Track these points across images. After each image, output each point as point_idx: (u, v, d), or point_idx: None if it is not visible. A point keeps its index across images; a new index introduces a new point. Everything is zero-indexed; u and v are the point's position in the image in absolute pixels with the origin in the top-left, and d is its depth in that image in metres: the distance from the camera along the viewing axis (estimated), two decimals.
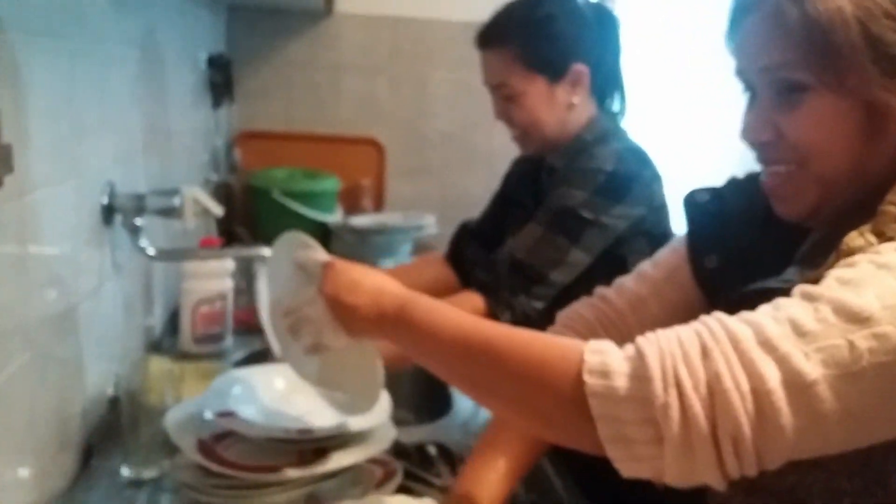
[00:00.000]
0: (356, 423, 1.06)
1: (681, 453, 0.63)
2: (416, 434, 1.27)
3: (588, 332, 1.01)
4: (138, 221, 1.26)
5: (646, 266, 1.04)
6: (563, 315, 1.08)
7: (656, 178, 1.45)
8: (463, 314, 0.80)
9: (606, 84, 1.54)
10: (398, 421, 1.13)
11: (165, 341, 1.61)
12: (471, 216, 1.79)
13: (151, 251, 1.28)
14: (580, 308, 1.07)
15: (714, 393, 0.63)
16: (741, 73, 0.83)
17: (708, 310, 0.73)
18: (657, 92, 2.72)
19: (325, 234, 2.44)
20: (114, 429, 1.16)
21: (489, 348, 0.74)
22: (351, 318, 0.87)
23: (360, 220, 2.47)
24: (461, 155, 2.78)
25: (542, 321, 1.22)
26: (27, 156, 0.87)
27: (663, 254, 1.04)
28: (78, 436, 1.12)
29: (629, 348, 0.68)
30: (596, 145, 1.46)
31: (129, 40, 1.38)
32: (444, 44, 2.71)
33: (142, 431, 1.10)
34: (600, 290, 1.07)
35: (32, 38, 0.91)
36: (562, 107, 1.47)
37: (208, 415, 1.04)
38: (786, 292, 0.71)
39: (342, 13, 2.66)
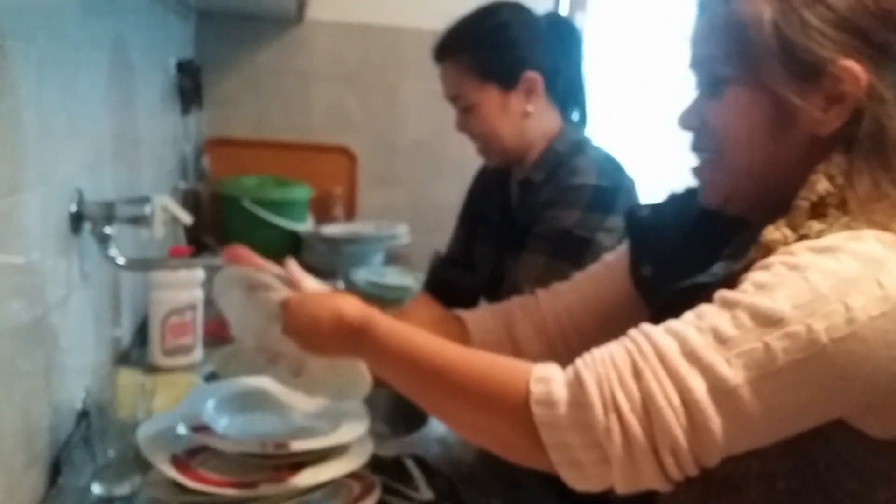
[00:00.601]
0: (333, 438, 1.04)
1: (626, 470, 0.70)
2: (393, 447, 1.25)
3: (505, 314, 1.15)
4: (108, 230, 1.23)
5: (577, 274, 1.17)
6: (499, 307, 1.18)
7: (632, 184, 1.47)
8: (424, 336, 0.84)
9: (567, 94, 1.55)
10: (374, 434, 1.11)
11: (134, 353, 1.57)
12: (442, 225, 1.79)
13: (121, 260, 1.24)
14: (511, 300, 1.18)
15: (649, 412, 0.69)
16: (691, 68, 0.91)
17: (631, 305, 0.98)
18: (624, 99, 2.75)
19: (296, 244, 2.41)
20: (83, 444, 1.13)
21: (445, 374, 0.80)
22: (319, 348, 0.92)
23: (332, 230, 2.45)
24: (432, 163, 2.77)
25: None
26: None
27: (604, 257, 1.15)
28: (46, 452, 1.09)
29: (569, 372, 0.74)
30: (573, 157, 1.46)
31: (99, 45, 1.35)
32: (414, 52, 2.70)
33: (112, 447, 1.07)
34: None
35: (0, 40, 0.88)
36: (517, 115, 1.48)
37: (182, 429, 1.01)
38: (712, 286, 0.77)
39: (312, 20, 2.64)
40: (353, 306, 0.88)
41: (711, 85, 0.86)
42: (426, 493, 1.16)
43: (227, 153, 2.63)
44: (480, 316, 1.17)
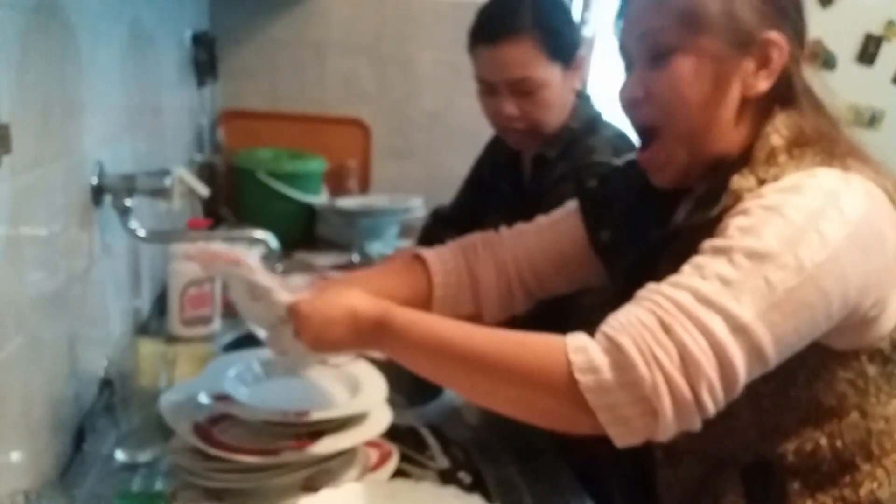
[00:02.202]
0: (352, 406, 1.06)
1: (672, 417, 0.76)
2: (409, 417, 1.27)
3: (468, 250, 1.17)
4: (128, 202, 1.24)
5: (541, 217, 1.20)
6: (460, 242, 1.19)
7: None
8: (440, 321, 0.88)
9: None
10: (390, 404, 1.13)
11: (153, 323, 1.59)
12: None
13: (142, 233, 1.26)
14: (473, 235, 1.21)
15: (685, 360, 0.76)
16: (623, 48, 0.98)
17: (587, 261, 1.10)
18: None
19: (310, 216, 2.42)
20: (106, 412, 1.15)
21: (477, 359, 0.83)
22: (335, 348, 0.95)
23: (347, 203, 2.45)
24: (447, 136, 2.77)
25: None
26: (21, 135, 0.85)
27: (558, 210, 1.19)
28: (71, 419, 1.11)
29: (601, 340, 0.79)
30: (587, 135, 1.46)
31: (117, 17, 1.36)
32: (430, 23, 2.69)
33: (135, 414, 1.09)
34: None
35: (24, 14, 0.89)
36: (570, 95, 1.46)
37: (204, 398, 1.03)
38: (689, 232, 0.89)
39: None
40: (365, 302, 0.90)
41: (655, 57, 0.93)
42: (441, 461, 1.18)
43: (242, 125, 2.63)
44: (442, 257, 1.16)
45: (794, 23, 0.93)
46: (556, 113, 1.45)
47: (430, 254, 1.17)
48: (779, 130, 0.90)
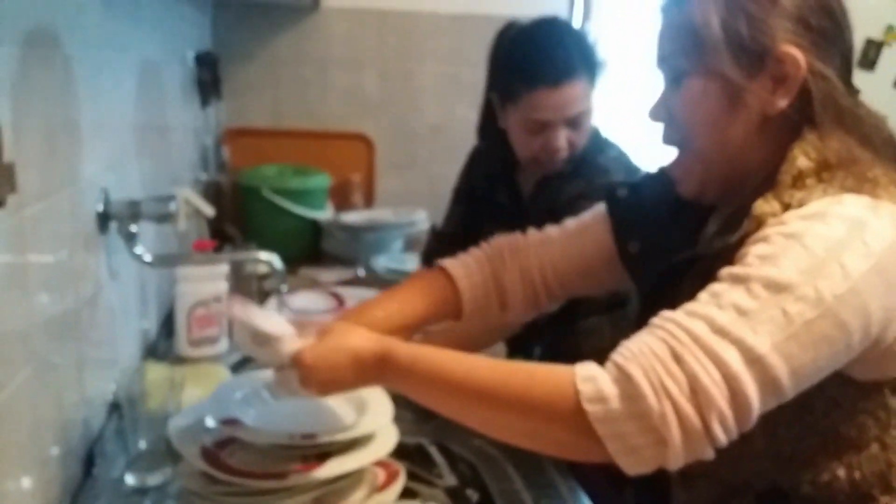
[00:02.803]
0: (359, 428, 1.06)
1: (681, 448, 0.76)
2: (416, 434, 1.28)
3: (494, 257, 1.19)
4: (133, 228, 1.25)
5: (568, 221, 1.21)
6: (484, 250, 1.21)
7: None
8: (444, 355, 0.88)
9: None
10: (396, 421, 1.13)
11: (161, 345, 1.60)
12: None
13: (148, 258, 1.27)
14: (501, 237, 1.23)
15: (696, 391, 0.75)
16: (657, 66, 1.00)
17: (613, 269, 1.08)
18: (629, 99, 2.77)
19: (315, 232, 2.44)
20: (115, 436, 1.16)
21: (485, 393, 0.84)
22: (343, 391, 0.97)
23: (352, 217, 2.47)
24: (450, 148, 2.76)
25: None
26: (26, 170, 0.86)
27: (585, 216, 1.20)
28: (80, 444, 1.12)
29: (611, 369, 0.79)
30: (596, 154, 1.53)
31: (120, 43, 1.38)
32: (431, 37, 2.71)
33: (144, 438, 1.10)
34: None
35: (21, 48, 0.90)
36: None
37: (211, 422, 1.04)
38: (709, 258, 0.88)
39: (329, 7, 2.64)
40: (366, 342, 0.91)
41: (673, 79, 0.95)
42: (449, 478, 1.18)
43: (247, 143, 2.65)
44: (468, 270, 1.18)
45: (819, 31, 0.89)
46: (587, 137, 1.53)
47: (457, 268, 1.18)
48: (807, 152, 0.87)
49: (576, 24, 2.78)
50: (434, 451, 1.25)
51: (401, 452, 1.13)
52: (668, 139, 0.99)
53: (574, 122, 1.49)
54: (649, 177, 1.15)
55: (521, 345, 1.56)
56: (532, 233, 1.22)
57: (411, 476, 1.14)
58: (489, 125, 1.62)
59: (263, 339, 0.95)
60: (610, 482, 1.16)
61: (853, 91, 0.93)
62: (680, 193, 1.00)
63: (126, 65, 1.42)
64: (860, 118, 0.90)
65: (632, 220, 1.12)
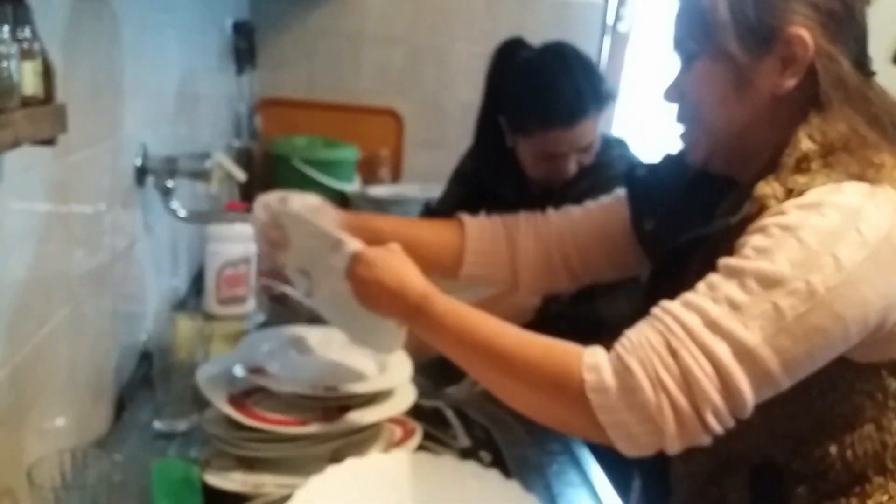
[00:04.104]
0: (379, 382, 1.09)
1: (677, 437, 0.80)
2: (433, 399, 1.31)
3: (510, 221, 1.21)
4: (170, 183, 1.29)
5: (588, 203, 1.23)
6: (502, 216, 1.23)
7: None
8: (480, 318, 0.91)
9: None
10: (416, 387, 1.16)
11: (190, 302, 1.65)
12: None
13: (182, 213, 1.31)
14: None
15: (689, 384, 0.78)
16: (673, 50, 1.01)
17: (632, 249, 1.12)
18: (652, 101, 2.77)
19: (342, 204, 2.47)
20: (145, 383, 1.21)
21: (503, 359, 0.88)
22: (372, 305, 0.98)
23: (378, 191, 2.50)
24: None
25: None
26: (74, 115, 0.90)
27: (605, 198, 1.22)
28: (111, 388, 1.17)
29: (614, 360, 0.82)
30: (602, 153, 1.56)
31: (163, 6, 1.41)
32: (465, 15, 2.71)
33: (173, 386, 1.14)
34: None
35: (78, 1, 0.93)
36: None
37: (238, 371, 1.07)
38: (712, 238, 0.90)
39: None
40: (416, 281, 0.95)
41: (686, 61, 0.97)
42: (464, 440, 1.22)
43: (279, 113, 2.68)
44: (479, 221, 1.22)
45: (828, 15, 0.89)
46: None
47: (470, 218, 1.22)
48: (812, 136, 0.87)
49: (610, 12, 2.78)
50: (450, 415, 1.28)
51: (418, 414, 1.16)
52: (681, 117, 1.01)
53: (585, 149, 1.53)
54: (668, 157, 1.17)
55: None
56: (551, 211, 1.23)
57: (427, 436, 1.17)
58: (489, 141, 1.66)
59: (331, 239, 0.99)
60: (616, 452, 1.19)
61: (868, 73, 0.93)
62: (689, 160, 1.03)
63: (168, 27, 1.46)
64: (869, 100, 0.90)
65: (648, 198, 1.14)
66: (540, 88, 1.50)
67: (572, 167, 1.54)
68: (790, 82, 0.90)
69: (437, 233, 1.21)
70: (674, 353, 0.79)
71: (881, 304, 0.81)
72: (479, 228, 1.20)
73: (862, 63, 0.92)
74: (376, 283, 0.95)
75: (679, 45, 0.98)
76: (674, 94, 1.00)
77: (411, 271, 0.96)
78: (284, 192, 1.12)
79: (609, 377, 0.81)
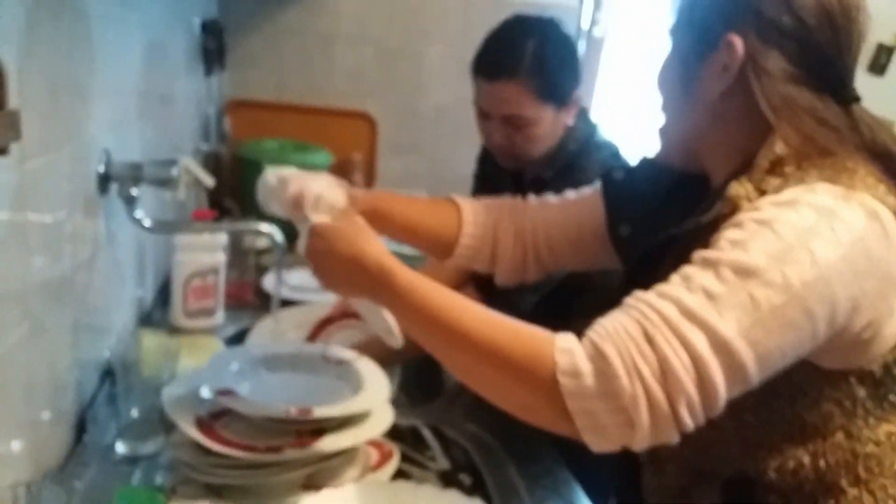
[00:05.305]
0: (355, 404, 1.05)
1: (648, 430, 0.76)
2: (410, 416, 1.27)
3: (497, 210, 1.21)
4: (134, 191, 1.23)
5: (569, 192, 1.23)
6: (492, 200, 1.23)
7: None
8: (442, 292, 0.87)
9: None
10: (392, 402, 1.12)
11: (156, 314, 1.58)
12: (462, 192, 1.76)
13: (147, 222, 1.25)
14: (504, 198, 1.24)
15: (665, 373, 0.75)
16: None
17: (603, 246, 1.12)
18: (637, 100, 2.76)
19: None
20: (108, 402, 1.15)
21: (469, 340, 0.83)
22: (332, 284, 0.96)
23: None
24: (454, 131, 2.75)
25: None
26: (30, 120, 0.84)
27: (585, 189, 1.21)
28: (72, 409, 1.10)
29: (587, 345, 0.78)
30: (581, 157, 1.51)
31: (127, 3, 1.35)
32: (439, 17, 2.67)
33: (137, 406, 1.09)
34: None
35: (36, 0, 0.87)
36: (561, 130, 1.52)
37: (206, 392, 1.02)
38: (683, 238, 0.89)
39: None
40: (373, 250, 0.91)
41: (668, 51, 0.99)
42: (442, 462, 1.18)
43: (249, 115, 2.62)
44: (475, 209, 1.21)
45: (775, 28, 0.88)
46: (541, 147, 1.51)
47: (466, 204, 1.21)
48: (787, 140, 0.87)
49: (585, 16, 2.76)
50: (428, 434, 1.24)
51: (395, 434, 1.12)
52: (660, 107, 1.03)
53: (513, 123, 1.48)
54: (645, 161, 1.16)
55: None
56: (532, 198, 1.23)
57: (405, 458, 1.13)
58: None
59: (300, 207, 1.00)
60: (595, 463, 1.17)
61: (848, 95, 0.91)
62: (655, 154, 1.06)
63: (133, 26, 1.39)
64: (825, 119, 0.88)
65: (624, 202, 1.13)
66: (489, 40, 1.50)
67: (497, 137, 1.50)
68: (719, 87, 0.91)
69: (438, 218, 1.19)
70: (650, 341, 0.76)
71: (849, 306, 0.81)
72: (473, 220, 1.19)
73: (838, 89, 0.90)
74: (329, 253, 0.93)
75: (667, 33, 1.00)
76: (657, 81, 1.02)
77: (368, 241, 0.93)
78: (317, 180, 1.08)
79: (583, 362, 0.77)
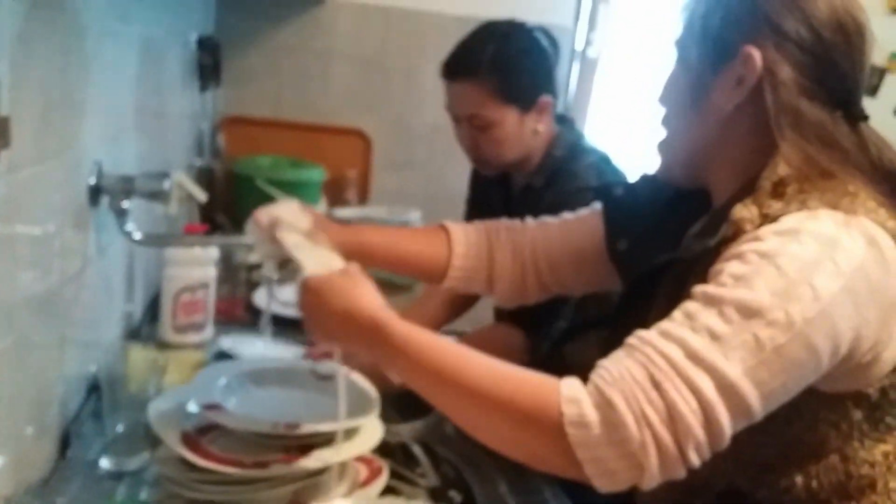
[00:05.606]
0: (344, 420, 1.04)
1: (657, 472, 0.77)
2: (400, 433, 1.26)
3: (492, 231, 1.21)
4: (125, 204, 1.22)
5: (566, 214, 1.23)
6: (485, 223, 1.23)
7: (626, 179, 1.49)
8: (439, 342, 0.86)
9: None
10: (381, 418, 1.11)
11: (145, 329, 1.57)
12: (455, 210, 1.79)
13: (138, 235, 1.24)
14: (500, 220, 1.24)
15: (674, 419, 0.75)
16: None
17: (603, 264, 1.12)
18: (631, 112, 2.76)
19: None
20: (93, 418, 1.13)
21: (473, 392, 0.82)
22: (326, 337, 0.94)
23: (345, 213, 2.44)
24: (448, 149, 2.72)
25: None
26: (20, 130, 0.83)
27: (583, 210, 1.21)
28: (56, 424, 1.09)
29: (594, 393, 0.78)
30: (570, 162, 1.51)
31: (124, 17, 1.35)
32: (434, 36, 2.69)
33: (122, 421, 1.07)
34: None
35: (31, 9, 0.87)
36: (528, 134, 1.52)
37: (193, 407, 1.01)
38: (687, 261, 0.89)
39: (334, 1, 2.62)
40: (368, 303, 0.89)
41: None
42: (432, 478, 1.17)
43: (243, 132, 2.62)
44: (466, 232, 1.21)
45: (793, 42, 0.88)
46: (508, 150, 1.52)
47: (456, 228, 1.20)
48: (789, 160, 0.86)
49: (579, 37, 2.78)
50: (418, 451, 1.23)
51: (384, 450, 1.11)
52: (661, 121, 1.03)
53: (476, 125, 1.49)
54: (645, 178, 1.16)
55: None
56: (529, 220, 1.23)
57: (394, 475, 1.12)
58: None
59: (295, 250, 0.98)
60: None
61: (858, 113, 0.91)
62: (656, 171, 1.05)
63: (128, 39, 1.39)
64: (830, 135, 0.88)
65: (623, 218, 1.14)
66: (460, 40, 1.52)
67: (464, 139, 1.53)
68: (734, 100, 0.90)
69: (426, 244, 1.18)
70: (658, 387, 0.76)
71: (851, 336, 0.80)
72: (464, 243, 1.19)
73: (848, 106, 0.90)
74: (322, 307, 0.91)
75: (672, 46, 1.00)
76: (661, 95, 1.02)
77: (363, 294, 0.90)
78: (280, 205, 1.09)
79: (590, 411, 0.77)
